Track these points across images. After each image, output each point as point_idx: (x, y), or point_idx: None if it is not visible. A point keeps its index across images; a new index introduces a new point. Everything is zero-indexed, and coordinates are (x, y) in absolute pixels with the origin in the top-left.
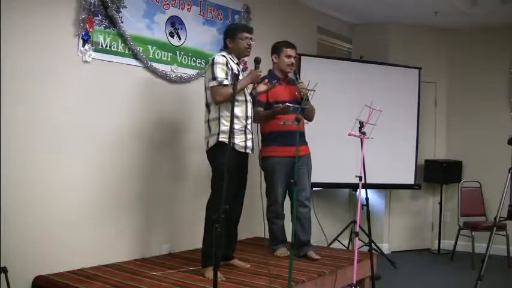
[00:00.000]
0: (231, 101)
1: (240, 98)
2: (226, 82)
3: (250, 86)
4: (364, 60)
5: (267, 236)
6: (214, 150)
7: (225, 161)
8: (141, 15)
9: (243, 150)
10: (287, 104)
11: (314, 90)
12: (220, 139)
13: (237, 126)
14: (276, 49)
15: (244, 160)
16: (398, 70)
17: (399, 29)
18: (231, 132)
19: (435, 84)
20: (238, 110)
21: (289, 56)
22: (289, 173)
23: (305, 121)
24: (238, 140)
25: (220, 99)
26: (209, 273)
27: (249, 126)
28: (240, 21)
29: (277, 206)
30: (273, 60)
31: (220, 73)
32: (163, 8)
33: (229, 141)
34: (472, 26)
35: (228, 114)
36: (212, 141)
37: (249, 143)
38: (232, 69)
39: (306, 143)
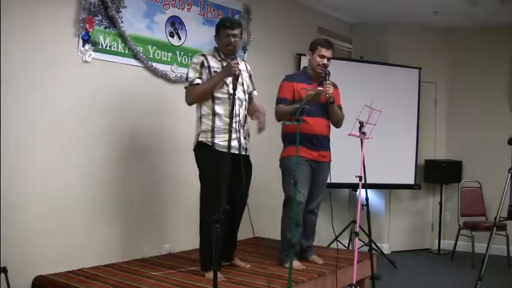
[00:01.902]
0: (212, 99)
1: (222, 95)
2: (197, 81)
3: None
4: (364, 60)
5: (267, 236)
6: (197, 150)
7: (208, 160)
8: (141, 15)
9: (225, 150)
10: (320, 88)
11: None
12: (199, 139)
13: (218, 123)
14: (312, 46)
15: (235, 161)
16: (398, 70)
17: (399, 29)
18: (213, 131)
19: (435, 84)
20: (220, 108)
21: (322, 56)
22: (310, 176)
23: (331, 126)
24: (219, 140)
25: (189, 100)
26: (209, 274)
27: (235, 125)
28: (240, 21)
29: (299, 210)
30: (308, 57)
31: (191, 73)
32: (163, 8)
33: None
34: (472, 26)
35: (210, 112)
36: (195, 141)
37: (235, 143)
38: (209, 67)
39: (329, 149)
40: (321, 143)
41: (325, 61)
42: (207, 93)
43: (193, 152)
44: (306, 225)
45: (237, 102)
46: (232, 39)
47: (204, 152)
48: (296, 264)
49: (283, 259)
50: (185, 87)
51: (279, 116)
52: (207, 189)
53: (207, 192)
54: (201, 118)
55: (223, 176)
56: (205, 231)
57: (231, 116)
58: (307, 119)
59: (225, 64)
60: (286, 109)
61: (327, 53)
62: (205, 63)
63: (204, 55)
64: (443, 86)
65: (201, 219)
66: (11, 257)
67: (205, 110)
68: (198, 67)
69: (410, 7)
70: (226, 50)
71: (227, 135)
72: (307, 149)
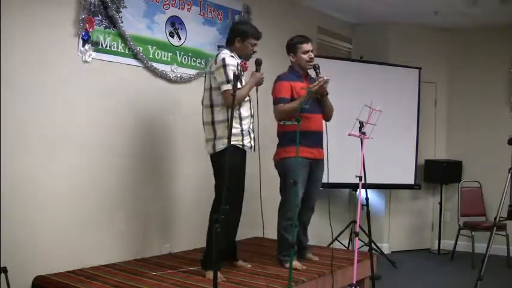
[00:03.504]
0: (231, 103)
1: (245, 98)
2: (239, 85)
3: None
4: (364, 60)
5: (266, 235)
6: (223, 154)
7: (238, 163)
8: (141, 15)
9: (250, 151)
10: (325, 77)
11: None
12: (232, 142)
13: (245, 127)
14: (292, 47)
15: (245, 160)
16: (399, 70)
17: (399, 29)
18: (242, 133)
19: (435, 84)
20: (245, 110)
21: (306, 52)
22: (308, 175)
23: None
24: (247, 141)
25: (236, 103)
26: (210, 274)
27: (251, 126)
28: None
29: (296, 211)
30: (290, 59)
31: (232, 76)
32: (163, 8)
33: (228, 141)
34: (472, 26)
35: (236, 115)
36: (221, 145)
37: (253, 143)
38: (240, 70)
39: (322, 146)
40: (319, 139)
41: (311, 54)
42: (239, 98)
43: (195, 151)
44: (306, 223)
45: (251, 104)
46: (255, 50)
47: (236, 154)
48: (297, 264)
49: (284, 260)
50: (227, 90)
51: (287, 114)
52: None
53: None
54: (227, 121)
55: (243, 176)
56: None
57: (251, 117)
58: (308, 116)
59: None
60: (294, 105)
61: (308, 46)
62: (238, 66)
63: (233, 56)
64: (443, 86)
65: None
66: (11, 257)
67: (234, 113)
68: (236, 69)
69: (410, 7)
70: (249, 58)
71: (249, 136)
72: (309, 148)
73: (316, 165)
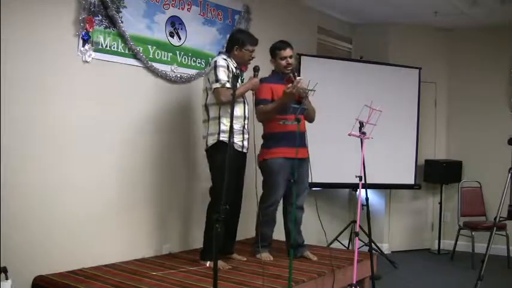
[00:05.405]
0: (231, 101)
1: (239, 99)
2: (228, 85)
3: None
4: (364, 60)
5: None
6: (214, 149)
7: (226, 159)
8: (141, 15)
9: (240, 150)
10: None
11: (314, 90)
12: (220, 138)
13: (236, 126)
14: (272, 52)
15: (242, 159)
16: (399, 70)
17: (399, 29)
18: (231, 131)
19: (435, 84)
20: (237, 110)
21: (283, 58)
22: (289, 175)
23: (306, 122)
24: (237, 140)
25: (225, 100)
26: (210, 262)
27: (246, 126)
28: (240, 21)
29: (275, 208)
30: (271, 63)
31: (223, 75)
32: (163, 8)
33: (229, 140)
34: (472, 26)
35: (228, 114)
36: (212, 141)
37: (246, 143)
38: (232, 71)
39: (307, 146)
40: (302, 139)
41: (289, 60)
42: (233, 97)
43: (194, 151)
44: (297, 221)
45: (246, 106)
46: (253, 55)
47: (224, 150)
48: (266, 254)
49: (257, 251)
50: (216, 88)
51: (266, 115)
52: (219, 186)
53: (219, 189)
54: (219, 119)
55: (236, 173)
56: (212, 228)
57: (244, 118)
58: (286, 118)
59: (237, 71)
60: (274, 106)
61: (286, 53)
62: (229, 67)
63: (225, 59)
64: (443, 86)
65: (208, 215)
66: (11, 257)
67: (224, 111)
68: (226, 70)
69: (410, 7)
70: (247, 64)
71: (241, 136)
72: (289, 148)
73: (300, 165)
